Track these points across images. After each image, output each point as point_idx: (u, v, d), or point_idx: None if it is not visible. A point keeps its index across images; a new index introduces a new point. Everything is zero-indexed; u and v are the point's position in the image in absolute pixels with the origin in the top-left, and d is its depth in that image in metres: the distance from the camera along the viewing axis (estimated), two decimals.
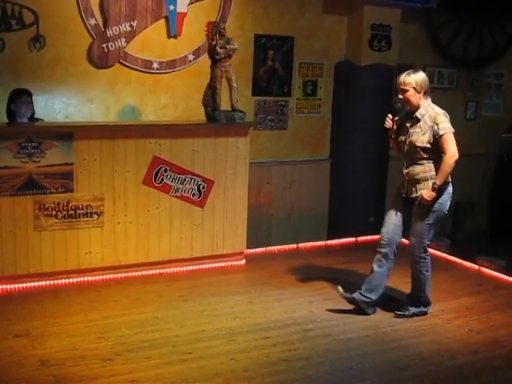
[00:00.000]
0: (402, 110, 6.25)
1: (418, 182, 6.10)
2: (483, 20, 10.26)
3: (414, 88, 6.03)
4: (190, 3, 7.96)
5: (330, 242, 8.78)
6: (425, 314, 6.37)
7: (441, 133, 5.96)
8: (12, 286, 6.64)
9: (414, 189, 6.14)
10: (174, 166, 7.20)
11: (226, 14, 8.20)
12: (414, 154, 6.10)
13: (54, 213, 6.71)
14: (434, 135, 5.99)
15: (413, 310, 6.33)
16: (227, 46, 7.21)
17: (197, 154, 7.32)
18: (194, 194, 7.36)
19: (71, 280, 6.88)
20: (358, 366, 5.35)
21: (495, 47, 10.57)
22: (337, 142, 9.30)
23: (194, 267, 7.47)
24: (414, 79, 6.03)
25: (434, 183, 5.97)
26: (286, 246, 8.48)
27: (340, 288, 6.36)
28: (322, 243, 8.74)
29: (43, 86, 7.39)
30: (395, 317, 6.29)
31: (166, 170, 7.16)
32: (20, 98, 6.84)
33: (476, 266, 7.97)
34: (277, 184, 8.94)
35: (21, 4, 7.15)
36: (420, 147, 6.03)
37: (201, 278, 7.25)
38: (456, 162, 5.96)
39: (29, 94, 6.91)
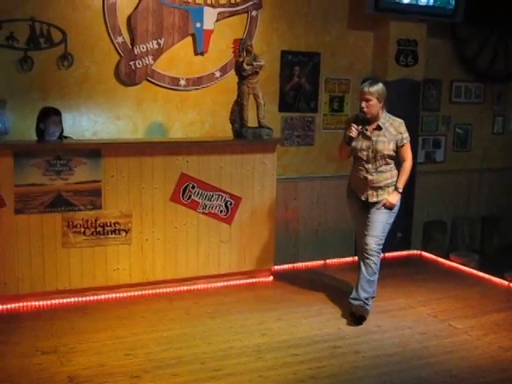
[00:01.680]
0: (364, 120, 6.46)
1: (382, 187, 6.49)
2: (509, 34, 10.21)
3: (377, 98, 6.30)
4: (217, 20, 8.00)
5: (356, 257, 8.72)
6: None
7: (405, 142, 6.42)
8: (41, 303, 6.67)
9: (375, 194, 6.53)
10: (201, 183, 7.22)
11: (252, 30, 8.23)
12: (378, 161, 6.44)
13: (83, 230, 6.74)
14: (397, 144, 6.40)
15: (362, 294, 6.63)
16: (254, 63, 7.23)
17: (224, 170, 7.34)
18: (221, 211, 7.37)
19: (99, 297, 6.90)
20: (386, 383, 5.32)
21: None
22: None
23: (222, 284, 7.47)
24: (376, 90, 6.30)
25: (397, 187, 6.49)
26: (313, 263, 8.46)
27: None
28: (349, 259, 8.71)
29: (71, 103, 7.45)
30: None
31: (193, 187, 7.18)
32: (49, 117, 6.91)
33: (505, 282, 7.91)
34: (304, 200, 8.94)
35: (49, 23, 7.23)
36: (387, 155, 6.39)
37: (228, 294, 7.25)
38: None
39: (58, 113, 6.98)
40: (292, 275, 8.01)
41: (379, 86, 6.32)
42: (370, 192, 6.52)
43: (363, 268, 6.60)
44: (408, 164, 6.48)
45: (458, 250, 9.59)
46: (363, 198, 6.58)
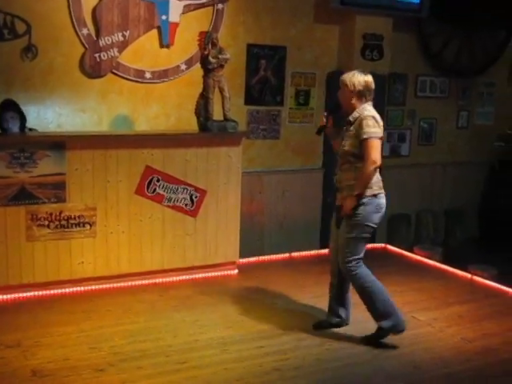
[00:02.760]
0: (336, 111, 6.19)
1: (343, 188, 5.82)
2: (474, 29, 10.29)
3: (346, 86, 5.80)
4: (183, 13, 7.96)
5: (322, 250, 8.78)
6: (393, 329, 5.85)
7: (363, 137, 5.62)
8: (4, 297, 6.64)
9: (339, 196, 5.91)
10: (166, 176, 7.21)
11: (218, 23, 8.21)
12: (342, 159, 5.86)
13: (47, 223, 6.71)
14: (359, 140, 5.66)
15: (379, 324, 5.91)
16: (219, 56, 7.23)
17: (189, 163, 7.33)
18: (186, 204, 7.37)
19: (64, 290, 6.87)
20: (350, 375, 5.35)
21: (486, 56, 10.60)
22: (329, 152, 9.26)
23: (187, 277, 7.48)
24: (349, 78, 5.80)
25: (354, 193, 5.67)
26: (279, 256, 8.49)
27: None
28: (314, 252, 8.75)
29: (35, 95, 7.37)
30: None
31: (158, 180, 7.17)
32: (6, 112, 6.76)
33: (468, 275, 7.99)
34: (269, 193, 8.94)
35: (13, 14, 7.14)
36: (348, 151, 5.74)
37: (194, 287, 7.25)
38: (376, 170, 5.66)
39: (11, 108, 6.79)
40: (257, 268, 8.04)
41: (355, 76, 5.76)
42: (337, 194, 5.97)
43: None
44: (366, 165, 5.58)
45: (422, 243, 9.66)
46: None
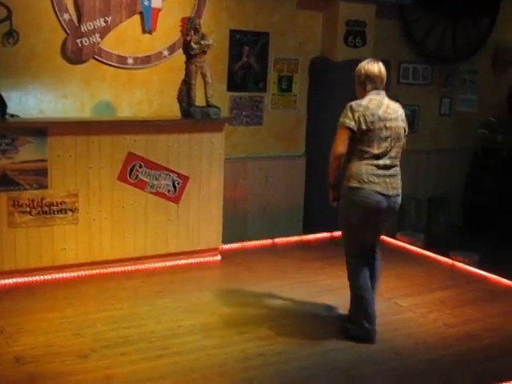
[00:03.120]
0: None
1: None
2: (457, 16, 10.30)
3: (355, 77, 5.70)
4: None
5: (305, 237, 8.80)
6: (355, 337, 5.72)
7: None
8: None
9: None
10: (148, 162, 7.19)
11: (201, 9, 8.17)
12: None
13: (29, 209, 6.68)
14: None
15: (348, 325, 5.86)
16: (202, 42, 7.21)
17: (172, 149, 7.32)
18: (169, 190, 7.36)
19: (46, 277, 6.85)
20: (333, 361, 5.38)
21: (469, 43, 10.61)
22: (312, 138, 9.30)
23: (170, 263, 7.47)
24: (357, 69, 5.68)
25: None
26: (262, 242, 8.50)
27: None
28: (297, 238, 8.76)
29: (17, 81, 7.32)
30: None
31: (140, 166, 7.15)
32: None
33: (450, 261, 8.03)
34: (252, 179, 8.93)
35: None
36: None
37: (176, 273, 7.26)
38: (336, 158, 5.48)
39: None
40: (240, 254, 8.05)
41: (360, 64, 5.64)
42: None
43: None
44: (331, 152, 5.53)
45: (404, 230, 9.69)
46: None
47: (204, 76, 7.34)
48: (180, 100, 7.42)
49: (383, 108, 5.50)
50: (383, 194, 5.46)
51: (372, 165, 5.45)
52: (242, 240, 8.44)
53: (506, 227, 9.68)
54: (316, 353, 5.48)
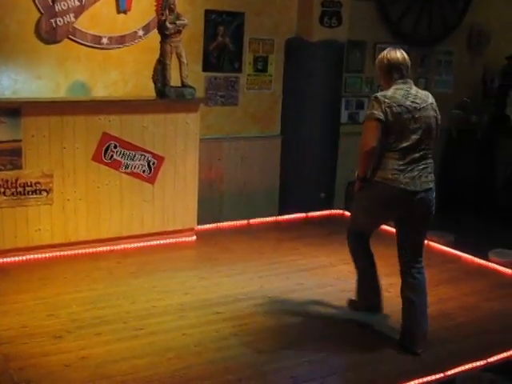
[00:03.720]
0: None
1: None
2: None
3: (378, 69, 5.44)
4: None
5: (280, 217, 8.81)
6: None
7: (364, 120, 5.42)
8: None
9: None
10: (123, 142, 7.17)
11: None
12: None
13: (3, 190, 6.64)
14: None
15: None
16: (177, 22, 7.18)
17: (147, 130, 7.30)
18: (144, 171, 7.34)
19: (20, 258, 6.82)
20: (308, 338, 5.43)
21: (445, 24, 10.64)
22: (288, 119, 9.31)
23: (145, 244, 7.47)
24: (378, 60, 5.41)
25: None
26: (237, 222, 8.50)
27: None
28: (272, 219, 8.77)
29: None
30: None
31: (115, 147, 7.13)
32: None
33: (425, 241, 8.06)
34: (228, 160, 8.93)
35: None
36: None
37: (152, 254, 7.26)
38: (368, 153, 5.18)
39: None
40: (215, 235, 8.05)
41: (380, 55, 5.38)
42: None
43: None
44: (360, 145, 5.29)
45: None
46: None
47: (179, 56, 7.31)
48: (155, 80, 7.39)
49: (411, 98, 5.23)
50: (408, 191, 5.17)
51: (398, 159, 5.16)
52: (217, 221, 8.44)
53: (481, 208, 9.76)
54: (290, 333, 5.53)
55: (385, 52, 5.35)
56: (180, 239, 7.69)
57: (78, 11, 7.57)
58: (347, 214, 9.09)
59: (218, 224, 8.35)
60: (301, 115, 9.16)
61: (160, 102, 7.41)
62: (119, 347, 5.09)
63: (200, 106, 7.67)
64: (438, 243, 8.00)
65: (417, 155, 5.19)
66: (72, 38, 7.63)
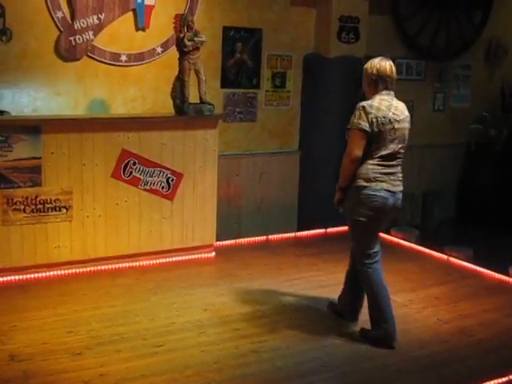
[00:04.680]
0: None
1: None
2: (450, 11, 10.32)
3: (364, 75, 5.58)
4: None
5: (299, 233, 8.80)
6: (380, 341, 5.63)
7: (347, 127, 5.54)
8: None
9: None
10: (142, 159, 7.19)
11: (194, 6, 8.18)
12: None
13: (23, 207, 6.67)
14: None
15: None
16: (195, 39, 7.21)
17: (165, 146, 7.32)
18: (163, 187, 7.35)
19: (40, 274, 6.84)
20: (327, 356, 5.38)
21: (462, 38, 10.63)
22: (306, 134, 9.31)
23: (164, 260, 7.47)
24: (366, 65, 5.56)
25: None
26: (256, 238, 8.49)
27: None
28: (291, 235, 8.76)
29: (10, 79, 7.33)
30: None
31: (134, 163, 7.15)
32: None
33: (444, 256, 8.04)
34: (246, 176, 8.94)
35: None
36: None
37: (170, 270, 7.25)
38: (352, 162, 5.41)
39: None
40: (234, 251, 8.04)
41: (370, 62, 5.53)
42: None
43: None
44: (344, 156, 5.53)
45: (398, 225, 9.70)
46: None
47: (197, 73, 7.33)
48: (174, 97, 7.41)
49: (392, 109, 5.45)
50: (389, 191, 5.48)
51: (378, 164, 5.44)
52: (236, 237, 8.44)
53: (500, 221, 9.71)
54: (310, 349, 5.49)
55: (375, 61, 5.53)
56: (199, 255, 7.69)
57: (97, 29, 7.63)
58: None
59: (237, 240, 8.34)
60: (319, 131, 9.15)
61: (179, 119, 7.42)
62: (138, 364, 5.09)
63: (218, 123, 7.68)
64: (457, 258, 7.95)
65: (393, 163, 5.53)
66: (91, 55, 7.69)
